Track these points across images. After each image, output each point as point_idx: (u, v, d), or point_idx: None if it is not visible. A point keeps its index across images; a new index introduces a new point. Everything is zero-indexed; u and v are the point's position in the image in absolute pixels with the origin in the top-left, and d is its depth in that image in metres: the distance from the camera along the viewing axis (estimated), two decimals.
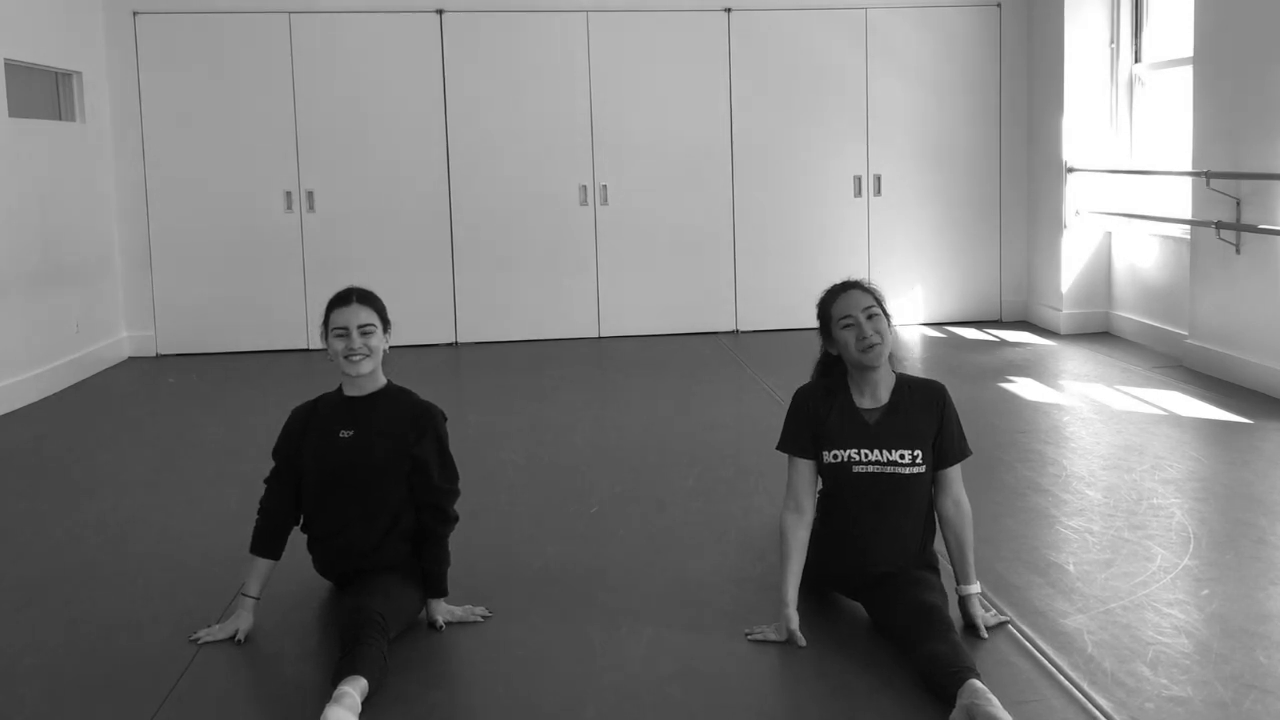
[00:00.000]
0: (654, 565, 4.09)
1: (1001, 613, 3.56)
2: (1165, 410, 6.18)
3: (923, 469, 3.42)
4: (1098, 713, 2.96)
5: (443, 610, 3.63)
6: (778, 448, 3.55)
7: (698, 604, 3.73)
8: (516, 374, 7.82)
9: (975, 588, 3.49)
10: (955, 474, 3.49)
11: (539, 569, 4.10)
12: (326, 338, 3.58)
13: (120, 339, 8.66)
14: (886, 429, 3.42)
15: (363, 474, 3.58)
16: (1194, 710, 2.95)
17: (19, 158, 7.25)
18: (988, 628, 3.45)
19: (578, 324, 9.12)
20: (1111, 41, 8.59)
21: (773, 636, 3.41)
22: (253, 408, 6.93)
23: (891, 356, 3.46)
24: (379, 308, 3.63)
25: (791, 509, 3.46)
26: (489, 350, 8.75)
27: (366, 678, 3.08)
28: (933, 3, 9.12)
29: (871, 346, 3.36)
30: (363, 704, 3.01)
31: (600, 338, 9.10)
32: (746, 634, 3.46)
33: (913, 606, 3.27)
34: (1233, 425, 5.85)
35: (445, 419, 3.68)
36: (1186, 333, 7.40)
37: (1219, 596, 3.66)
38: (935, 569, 3.54)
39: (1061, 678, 3.15)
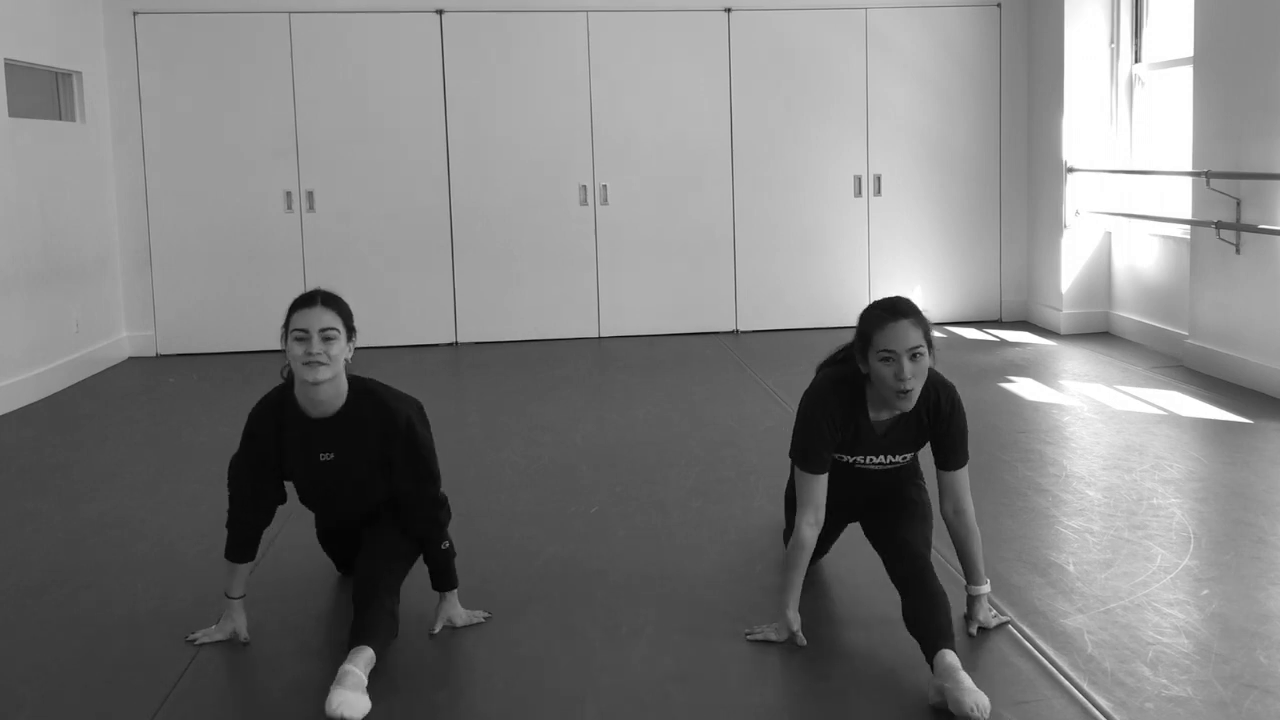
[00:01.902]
0: (654, 565, 4.09)
1: (1002, 613, 3.56)
2: (1165, 410, 6.18)
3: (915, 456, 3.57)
4: (1098, 713, 2.96)
5: (454, 609, 3.60)
6: (800, 466, 3.41)
7: (698, 604, 3.73)
8: (516, 374, 7.82)
9: (985, 588, 3.49)
10: (958, 480, 3.45)
11: (539, 569, 4.10)
12: (286, 340, 3.37)
13: (120, 339, 8.66)
14: (895, 438, 3.44)
15: (349, 490, 3.56)
16: (1194, 710, 2.95)
17: (19, 158, 7.24)
18: (985, 628, 3.46)
19: (578, 324, 9.12)
20: (1111, 41, 8.59)
21: (773, 637, 3.42)
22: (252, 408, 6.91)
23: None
24: (344, 313, 3.42)
25: (812, 523, 3.38)
26: (489, 350, 8.75)
27: (373, 646, 3.14)
28: (933, 3, 9.12)
29: (906, 393, 3.22)
30: (375, 685, 3.08)
31: (600, 338, 9.10)
32: (746, 634, 3.46)
33: (896, 548, 3.37)
34: (1233, 425, 5.84)
35: (417, 408, 3.54)
36: (1186, 333, 7.40)
37: (1219, 596, 3.66)
38: (920, 484, 3.62)
39: (1061, 678, 3.15)
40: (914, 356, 3.19)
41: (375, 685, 3.20)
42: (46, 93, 7.97)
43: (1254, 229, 6.56)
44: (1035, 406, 6.43)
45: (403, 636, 3.49)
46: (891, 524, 3.45)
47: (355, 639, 3.22)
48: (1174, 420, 5.97)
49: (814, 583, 3.86)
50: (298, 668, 3.40)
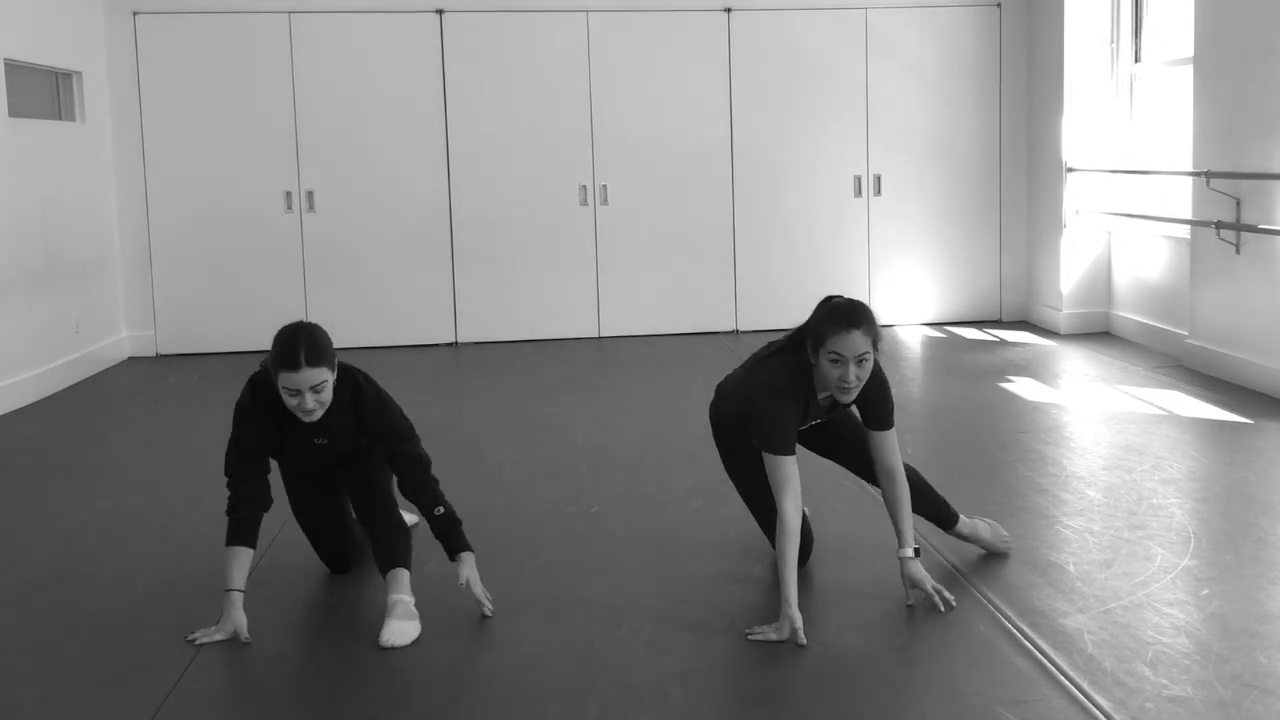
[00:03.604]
0: (654, 565, 4.09)
1: (998, 603, 3.56)
2: (1165, 410, 6.18)
3: None
4: (1098, 713, 2.96)
5: (473, 571, 3.64)
6: (773, 452, 3.52)
7: (698, 604, 3.73)
8: (516, 374, 7.82)
9: (908, 551, 3.63)
10: (887, 440, 3.69)
11: (539, 569, 4.10)
12: (274, 379, 3.50)
13: (120, 339, 8.66)
14: (835, 409, 3.80)
15: (337, 460, 3.86)
16: (1194, 710, 2.95)
17: (19, 158, 7.24)
18: (920, 588, 3.59)
19: (578, 324, 9.12)
20: (1111, 41, 8.59)
21: (773, 636, 3.41)
22: None
23: None
24: (329, 358, 3.51)
25: (793, 506, 3.49)
26: (489, 350, 8.75)
27: (405, 564, 3.58)
28: (933, 3, 9.12)
29: (849, 390, 3.51)
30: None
31: (600, 338, 9.10)
32: (746, 634, 3.46)
33: (866, 459, 3.82)
34: (1233, 425, 5.84)
35: (364, 377, 3.71)
36: (1187, 333, 7.40)
37: (1219, 596, 3.66)
38: None
39: (1061, 678, 3.15)
40: (860, 362, 3.47)
41: (374, 685, 3.21)
42: (46, 93, 7.97)
43: (1254, 229, 6.56)
44: (1035, 406, 6.43)
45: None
46: (848, 440, 3.94)
47: (385, 564, 3.58)
48: (1174, 420, 5.97)
49: (813, 584, 3.86)
50: (298, 668, 3.40)
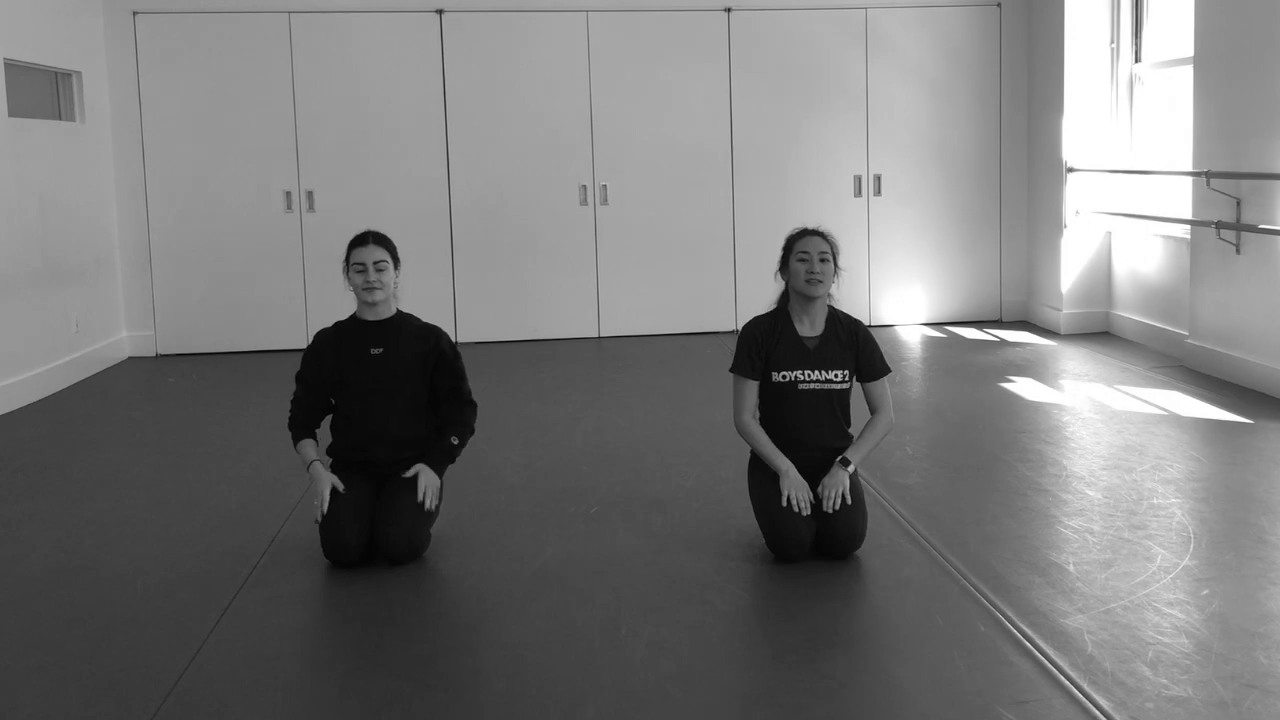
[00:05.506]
0: (654, 565, 4.10)
1: (998, 603, 3.56)
2: (1165, 410, 6.18)
3: (849, 384, 4.22)
4: (1098, 713, 2.96)
5: (428, 473, 4.18)
6: (732, 371, 4.19)
7: (698, 604, 3.73)
8: (516, 374, 7.82)
9: (852, 467, 4.11)
10: (879, 388, 4.20)
11: (539, 569, 4.10)
12: (348, 273, 4.26)
13: (120, 339, 8.66)
14: (823, 354, 4.17)
15: (393, 383, 4.25)
16: (1194, 710, 2.95)
17: (19, 158, 7.24)
18: (832, 491, 3.99)
19: (578, 324, 9.12)
20: (1111, 41, 8.59)
21: (798, 500, 3.97)
22: (253, 408, 6.93)
23: (830, 295, 4.21)
24: (391, 248, 4.34)
25: (747, 414, 4.18)
26: (489, 350, 8.75)
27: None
28: (933, 3, 9.12)
29: (816, 281, 4.10)
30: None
31: (600, 338, 9.10)
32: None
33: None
34: (1233, 425, 5.84)
35: (445, 334, 4.36)
36: (1186, 333, 7.40)
37: (1219, 596, 3.66)
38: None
39: (1061, 678, 3.15)
40: (823, 260, 4.12)
41: (374, 686, 3.21)
42: (46, 93, 7.97)
43: (1254, 229, 6.56)
44: (1035, 406, 6.43)
45: (401, 638, 3.50)
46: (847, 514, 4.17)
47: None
48: (1174, 420, 5.97)
49: (813, 584, 3.86)
50: (297, 668, 3.40)
